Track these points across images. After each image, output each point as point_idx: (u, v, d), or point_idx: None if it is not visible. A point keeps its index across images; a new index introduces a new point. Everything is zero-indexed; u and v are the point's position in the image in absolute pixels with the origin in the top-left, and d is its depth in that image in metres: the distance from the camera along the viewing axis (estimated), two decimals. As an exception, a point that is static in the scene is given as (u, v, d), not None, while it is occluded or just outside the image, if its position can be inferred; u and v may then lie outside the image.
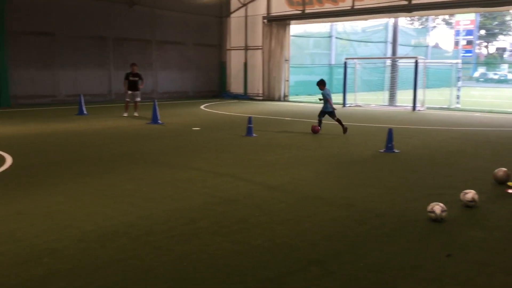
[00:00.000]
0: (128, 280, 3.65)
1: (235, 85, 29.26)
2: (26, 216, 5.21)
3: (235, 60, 29.12)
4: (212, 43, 29.16)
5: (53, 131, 12.57)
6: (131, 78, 16.38)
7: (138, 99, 16.65)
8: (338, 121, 12.49)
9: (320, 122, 12.75)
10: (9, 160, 8.39)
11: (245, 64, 28.43)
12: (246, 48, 28.30)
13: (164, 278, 3.70)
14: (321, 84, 12.55)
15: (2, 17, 20.87)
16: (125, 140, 11.27)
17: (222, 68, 29.59)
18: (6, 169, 7.66)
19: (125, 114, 16.52)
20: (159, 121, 14.58)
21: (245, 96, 28.03)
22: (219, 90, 29.55)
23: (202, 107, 21.32)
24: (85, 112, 17.05)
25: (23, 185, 6.62)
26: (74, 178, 7.07)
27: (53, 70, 22.91)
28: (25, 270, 3.78)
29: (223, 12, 28.92)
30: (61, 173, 7.44)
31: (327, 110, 12.55)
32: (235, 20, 28.73)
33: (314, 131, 12.53)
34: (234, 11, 28.52)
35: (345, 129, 12.26)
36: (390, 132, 9.70)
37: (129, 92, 16.41)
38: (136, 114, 16.51)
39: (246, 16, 28.02)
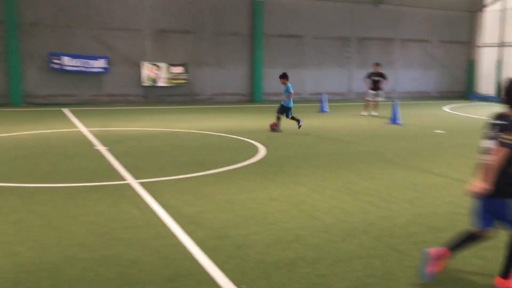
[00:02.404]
0: (369, 277, 3.69)
1: (485, 86, 26.56)
2: (275, 202, 5.76)
3: (486, 58, 26.42)
4: (460, 40, 27.07)
5: (297, 126, 13.57)
6: (374, 78, 16.50)
7: (380, 98, 16.64)
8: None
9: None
10: (263, 150, 9.40)
11: (499, 63, 25.50)
12: (502, 45, 25.35)
13: (404, 284, 3.62)
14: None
15: (261, 23, 23.43)
16: (363, 138, 11.39)
17: (470, 67, 27.20)
18: (262, 159, 8.60)
19: (365, 113, 16.69)
20: (398, 121, 14.28)
21: (497, 98, 25.17)
22: (465, 91, 27.27)
23: (445, 108, 20.01)
24: (326, 110, 17.88)
25: (273, 174, 7.33)
26: (315, 172, 7.49)
27: (299, 70, 24.64)
28: (277, 251, 4.19)
29: (475, 6, 26.50)
30: (304, 166, 7.97)
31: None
32: (491, 14, 26.00)
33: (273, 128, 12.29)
34: (490, 5, 25.83)
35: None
36: None
37: (371, 91, 16.55)
38: (375, 113, 16.52)
39: (505, 9, 25.09)
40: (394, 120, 14.36)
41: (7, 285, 3.50)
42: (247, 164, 8.03)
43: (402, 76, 26.64)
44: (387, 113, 15.67)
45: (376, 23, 25.71)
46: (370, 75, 16.75)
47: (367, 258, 4.07)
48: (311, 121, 14.65)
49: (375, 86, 16.51)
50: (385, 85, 16.84)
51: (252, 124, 13.99)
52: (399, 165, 8.18)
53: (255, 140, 10.61)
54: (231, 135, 11.49)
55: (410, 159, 8.83)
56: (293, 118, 12.64)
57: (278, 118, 12.42)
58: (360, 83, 21.87)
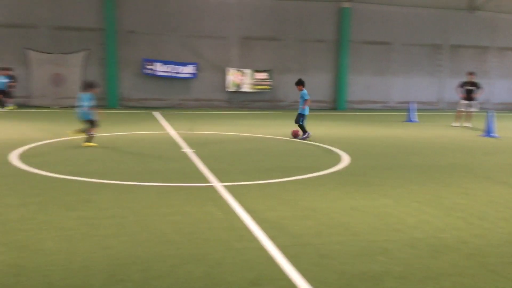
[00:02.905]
0: (460, 299, 3.49)
1: None
2: (359, 213, 5.62)
3: None
4: None
5: (382, 135, 13.19)
6: (467, 87, 15.66)
7: (473, 109, 15.74)
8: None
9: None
10: (346, 159, 9.24)
11: None
12: None
13: (501, 308, 3.37)
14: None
15: (348, 29, 23.09)
16: (454, 151, 10.81)
17: None
18: (345, 167, 8.46)
19: (456, 124, 15.87)
20: (494, 134, 13.39)
21: None
22: None
23: (546, 121, 18.48)
24: (414, 119, 17.22)
25: (357, 183, 7.17)
26: (402, 184, 7.22)
27: (385, 77, 23.98)
28: (361, 263, 4.09)
29: None
30: (389, 177, 7.71)
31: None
32: None
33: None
34: None
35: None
36: None
37: (464, 101, 15.70)
38: (468, 124, 15.65)
39: None
40: (488, 132, 13.50)
41: (102, 276, 3.73)
42: (331, 172, 7.93)
43: (498, 86, 25.04)
44: (481, 125, 14.76)
45: (470, 30, 24.41)
46: (463, 85, 15.92)
47: (458, 277, 3.85)
48: (397, 131, 14.17)
49: (468, 96, 15.66)
50: (479, 95, 15.90)
51: (335, 132, 13.82)
52: (493, 181, 7.66)
53: (339, 148, 10.46)
54: (314, 142, 11.43)
55: (506, 175, 8.24)
56: (301, 126, 11.94)
57: (301, 126, 12.01)
58: (452, 93, 20.85)
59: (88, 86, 10.12)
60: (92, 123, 9.98)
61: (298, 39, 23.33)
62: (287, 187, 6.81)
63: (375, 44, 23.58)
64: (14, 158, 8.42)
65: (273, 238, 4.62)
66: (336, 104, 23.56)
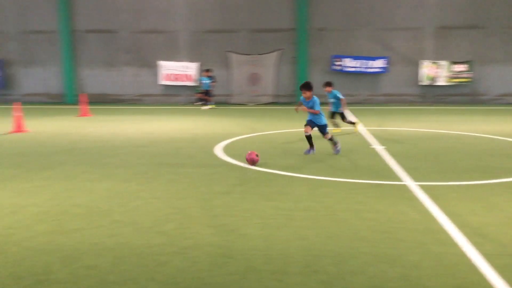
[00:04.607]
0: None
1: None
2: None
3: None
4: None
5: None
6: None
7: None
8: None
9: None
10: None
11: None
12: None
13: None
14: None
15: None
16: None
17: None
18: None
19: None
20: None
21: None
22: None
23: None
24: None
25: None
26: None
27: None
28: None
29: None
30: None
31: None
32: None
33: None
34: None
35: None
36: None
37: None
38: None
39: None
40: None
41: (298, 265, 3.90)
42: (546, 176, 6.92)
43: None
44: None
45: None
46: None
47: None
48: None
49: None
50: None
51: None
52: None
53: (556, 149, 9.06)
54: (524, 141, 10.11)
55: None
56: (311, 140, 8.82)
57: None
58: None
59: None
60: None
61: (505, 25, 20.85)
62: (491, 190, 6.17)
63: None
64: (218, 150, 9.37)
65: (476, 245, 4.24)
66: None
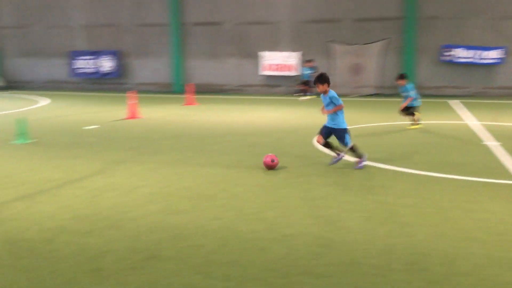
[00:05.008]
0: None
1: None
2: None
3: None
4: None
5: None
6: None
7: None
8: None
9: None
10: None
11: None
12: None
13: None
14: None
15: None
16: None
17: None
18: None
19: None
20: None
21: None
22: None
23: None
24: None
25: None
26: None
27: None
28: None
29: None
30: None
31: None
32: None
33: None
34: None
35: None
36: None
37: None
38: None
39: None
40: None
41: (402, 262, 3.77)
42: None
43: None
44: None
45: None
46: None
47: None
48: None
49: None
50: None
51: None
52: None
53: None
54: None
55: None
56: (330, 148, 7.31)
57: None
58: None
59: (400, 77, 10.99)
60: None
61: None
62: None
63: None
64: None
65: None
66: None
